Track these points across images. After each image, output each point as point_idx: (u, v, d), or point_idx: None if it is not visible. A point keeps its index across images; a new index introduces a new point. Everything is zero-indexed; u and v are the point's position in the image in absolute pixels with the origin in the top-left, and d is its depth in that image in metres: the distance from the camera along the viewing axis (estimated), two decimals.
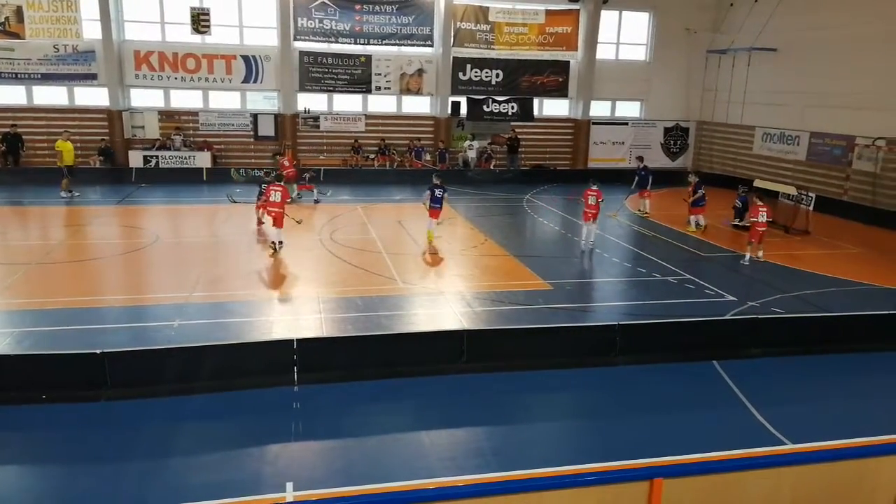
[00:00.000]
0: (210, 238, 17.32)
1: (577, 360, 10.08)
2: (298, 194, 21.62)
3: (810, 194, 19.61)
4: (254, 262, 15.12)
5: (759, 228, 16.03)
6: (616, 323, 10.48)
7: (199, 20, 25.33)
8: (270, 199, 15.60)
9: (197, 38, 25.77)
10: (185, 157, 25.67)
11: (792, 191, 19.89)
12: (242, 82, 26.62)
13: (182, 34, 25.70)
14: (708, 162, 30.15)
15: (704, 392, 9.56)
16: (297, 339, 9.37)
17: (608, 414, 8.99)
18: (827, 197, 22.03)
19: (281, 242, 15.63)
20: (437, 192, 16.63)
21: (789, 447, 7.34)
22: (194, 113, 26.70)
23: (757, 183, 21.35)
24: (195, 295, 12.71)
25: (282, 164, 22.61)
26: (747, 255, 16.04)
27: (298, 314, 11.88)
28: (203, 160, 25.79)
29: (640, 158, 23.41)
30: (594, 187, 16.93)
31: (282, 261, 15.31)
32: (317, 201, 21.61)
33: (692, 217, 19.59)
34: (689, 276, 14.63)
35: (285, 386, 9.16)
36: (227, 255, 15.72)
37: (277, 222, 15.50)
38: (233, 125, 27.02)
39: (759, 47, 25.83)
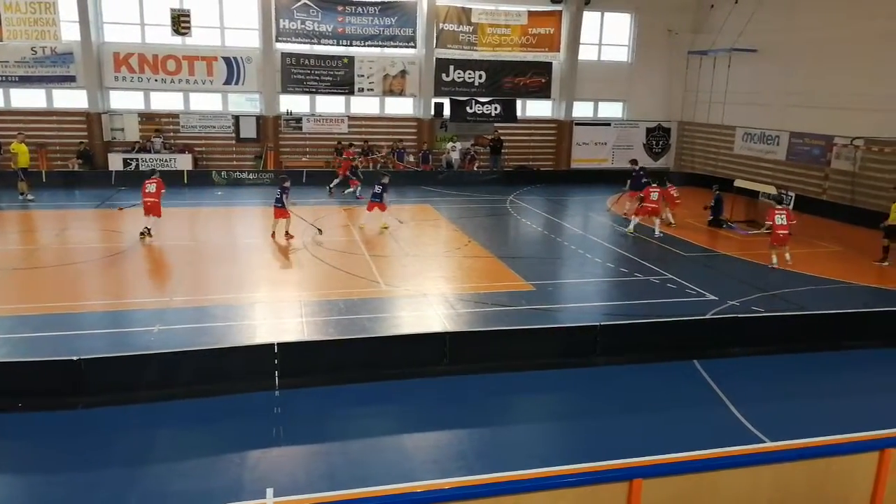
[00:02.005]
0: (191, 241, 17.19)
1: (559, 361, 10.11)
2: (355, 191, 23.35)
3: (790, 193, 19.82)
4: (235, 265, 15.01)
5: (780, 232, 15.58)
6: (597, 323, 10.52)
7: (180, 21, 25.16)
8: (146, 190, 16.74)
9: (177, 40, 25.59)
10: (166, 160, 25.46)
11: (772, 190, 20.09)
12: (224, 84, 26.46)
13: (162, 36, 25.52)
14: (690, 162, 30.38)
15: (685, 391, 9.62)
16: (278, 343, 9.31)
17: (589, 414, 9.03)
18: (806, 196, 22.27)
19: (149, 230, 16.69)
20: (377, 188, 18.51)
21: (767, 445, 7.39)
22: (175, 115, 26.51)
23: (737, 183, 21.57)
24: (176, 299, 12.61)
25: (342, 160, 24.85)
26: (774, 259, 15.68)
27: (280, 318, 11.81)
28: (184, 163, 25.61)
29: (634, 161, 23.52)
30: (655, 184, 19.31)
31: (264, 264, 15.24)
32: (358, 196, 23.09)
33: (636, 218, 19.18)
34: (671, 276, 14.73)
35: (266, 390, 9.10)
36: (208, 259, 15.61)
37: (152, 211, 16.64)
38: (214, 127, 26.85)
39: (740, 48, 26.05)
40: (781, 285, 14.36)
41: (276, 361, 9.19)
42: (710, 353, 10.54)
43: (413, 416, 8.80)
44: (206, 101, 26.86)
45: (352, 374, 9.44)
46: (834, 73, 22.70)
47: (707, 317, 11.81)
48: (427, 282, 14.08)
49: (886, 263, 16.09)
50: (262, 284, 13.74)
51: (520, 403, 9.34)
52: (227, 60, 26.26)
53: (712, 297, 13.28)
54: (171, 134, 26.49)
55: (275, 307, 12.35)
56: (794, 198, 19.75)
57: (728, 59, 27.00)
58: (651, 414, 8.97)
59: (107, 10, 25.32)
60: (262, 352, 9.25)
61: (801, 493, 6.01)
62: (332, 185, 24.01)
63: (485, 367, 9.87)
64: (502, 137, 28.53)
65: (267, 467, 7.49)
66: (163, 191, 17.13)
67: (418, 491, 6.48)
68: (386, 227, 18.45)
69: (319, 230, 16.86)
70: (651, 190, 18.95)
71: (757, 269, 15.63)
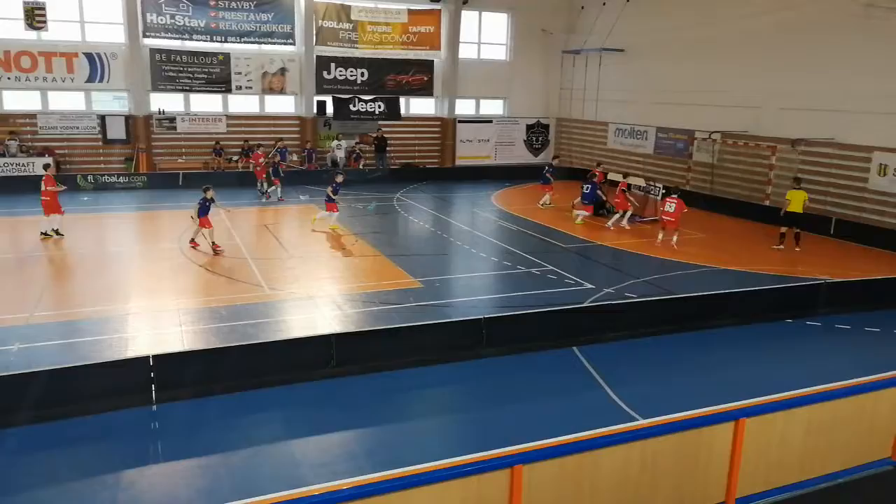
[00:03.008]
0: (55, 251, 15.97)
1: (445, 356, 10.26)
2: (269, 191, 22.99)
3: (658, 185, 21.12)
4: (107, 275, 14.12)
5: (665, 217, 17.72)
6: (482, 317, 10.76)
7: (34, 15, 23.28)
8: (42, 188, 16.71)
9: (32, 35, 23.67)
10: (23, 164, 23.52)
11: (641, 182, 21.33)
12: (86, 82, 24.79)
13: (14, 30, 23.51)
14: (568, 157, 31.67)
15: (565, 378, 10.04)
16: (154, 356, 8.85)
17: (477, 406, 9.23)
18: (672, 187, 23.77)
19: (57, 231, 16.79)
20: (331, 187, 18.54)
21: (638, 423, 7.88)
22: (32, 115, 24.52)
23: (610, 175, 22.73)
24: (38, 314, 11.69)
25: (256, 156, 24.13)
26: (660, 236, 17.66)
27: (157, 328, 11.24)
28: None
29: (556, 157, 26.25)
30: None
31: (138, 272, 14.44)
32: (280, 199, 22.85)
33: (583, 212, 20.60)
34: (552, 267, 15.32)
35: (142, 406, 8.64)
36: (75, 270, 14.62)
37: (48, 209, 16.60)
38: (77, 128, 25.10)
39: (609, 48, 27.46)
40: (652, 272, 15.30)
41: (152, 375, 8.74)
42: (589, 339, 11.05)
43: (300, 420, 8.65)
44: (67, 101, 25.03)
45: (234, 382, 9.14)
46: (692, 72, 24.41)
47: (584, 305, 12.39)
48: (313, 283, 13.87)
49: (782, 247, 17.45)
50: (138, 294, 13.00)
51: (409, 400, 9.40)
52: (89, 56, 24.60)
53: (590, 286, 13.94)
54: (29, 136, 24.49)
55: (151, 318, 11.73)
56: (661, 188, 21.05)
57: (599, 59, 28.40)
58: (535, 401, 9.30)
59: None
60: (137, 365, 8.77)
61: (670, 463, 6.47)
62: (263, 190, 23.14)
63: (373, 366, 9.84)
64: (387, 135, 28.53)
65: (143, 486, 7.12)
66: (50, 187, 16.66)
67: (307, 496, 6.38)
68: (335, 228, 18.47)
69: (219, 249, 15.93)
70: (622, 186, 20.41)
71: (631, 258, 16.56)
